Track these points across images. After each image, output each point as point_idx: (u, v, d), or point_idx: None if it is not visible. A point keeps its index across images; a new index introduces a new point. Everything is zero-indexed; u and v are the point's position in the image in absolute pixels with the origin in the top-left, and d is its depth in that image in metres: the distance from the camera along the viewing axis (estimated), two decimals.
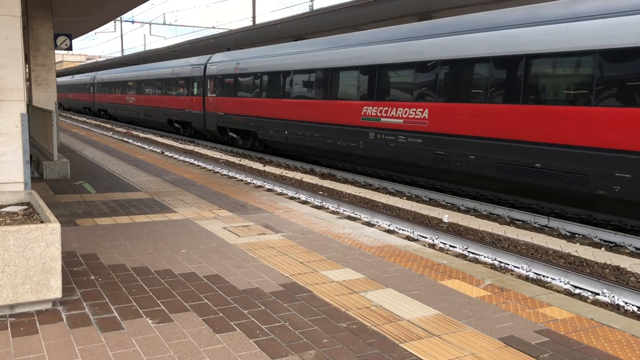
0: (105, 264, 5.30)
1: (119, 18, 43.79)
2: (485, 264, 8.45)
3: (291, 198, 13.08)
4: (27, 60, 15.71)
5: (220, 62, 23.17)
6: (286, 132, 18.26)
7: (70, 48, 14.94)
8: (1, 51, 6.11)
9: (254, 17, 32.68)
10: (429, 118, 12.85)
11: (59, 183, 9.84)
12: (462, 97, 12.09)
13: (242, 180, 15.42)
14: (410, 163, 13.63)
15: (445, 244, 9.44)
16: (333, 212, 11.66)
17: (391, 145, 14.03)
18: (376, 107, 14.37)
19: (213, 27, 37.44)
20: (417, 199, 13.19)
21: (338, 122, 15.84)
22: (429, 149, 12.91)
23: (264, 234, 6.64)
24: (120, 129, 33.89)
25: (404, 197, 13.36)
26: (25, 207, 4.95)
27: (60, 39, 14.78)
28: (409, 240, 8.84)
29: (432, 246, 9.39)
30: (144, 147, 23.23)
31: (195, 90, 25.23)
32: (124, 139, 26.86)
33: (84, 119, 44.69)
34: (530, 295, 4.77)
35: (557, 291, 7.34)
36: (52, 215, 4.29)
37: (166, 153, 21.43)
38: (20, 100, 6.27)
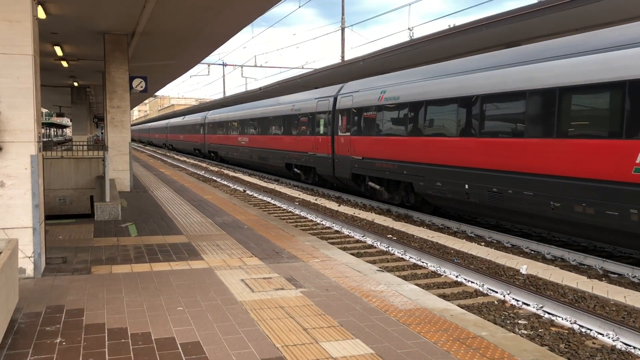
0: (85, 322, 4.74)
1: (219, 61, 45.57)
2: (562, 327, 7.06)
3: (357, 241, 12.19)
4: (103, 102, 16.25)
5: (357, 92, 18.13)
6: (466, 186, 12.71)
7: (145, 90, 15.26)
8: (12, 90, 5.90)
9: (342, 55, 32.56)
10: None
11: (107, 225, 9.67)
12: None
13: (312, 220, 14.74)
14: None
15: (517, 300, 8.10)
16: (397, 259, 10.63)
17: None
18: None
19: (302, 67, 37.84)
20: (497, 245, 11.79)
21: (577, 175, 9.97)
22: None
23: (283, 288, 5.83)
24: (213, 168, 34.65)
25: (482, 243, 12.00)
26: None
27: (135, 82, 15.13)
28: (449, 300, 7.73)
29: (503, 302, 8.10)
30: (228, 186, 23.38)
31: (321, 128, 20.77)
32: (213, 177, 27.29)
33: (184, 159, 46.39)
34: None
35: None
36: None
37: (247, 192, 21.33)
38: (30, 141, 6.01)
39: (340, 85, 20.42)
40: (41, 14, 11.91)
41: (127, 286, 5.85)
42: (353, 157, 18.10)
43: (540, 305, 7.71)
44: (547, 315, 7.44)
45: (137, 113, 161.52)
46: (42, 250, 6.19)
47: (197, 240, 8.36)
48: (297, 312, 5.09)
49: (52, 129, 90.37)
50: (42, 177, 6.42)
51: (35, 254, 6.06)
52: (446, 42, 18.31)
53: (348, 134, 18.47)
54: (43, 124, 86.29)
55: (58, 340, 4.33)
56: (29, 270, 6.06)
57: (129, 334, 4.49)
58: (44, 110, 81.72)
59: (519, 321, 7.28)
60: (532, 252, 11.06)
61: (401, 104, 15.40)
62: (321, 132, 20.82)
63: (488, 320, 7.29)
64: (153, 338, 4.40)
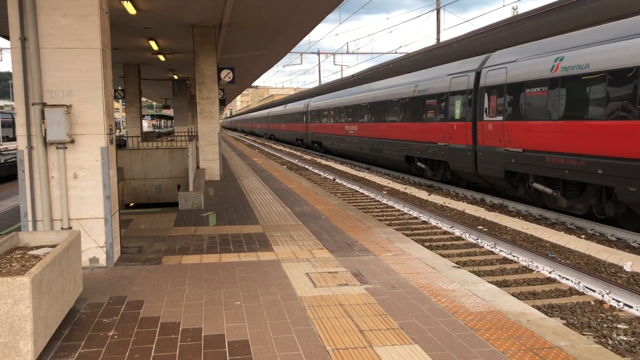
0: (142, 315, 4.72)
1: (311, 50, 45.63)
2: None
3: (444, 233, 11.62)
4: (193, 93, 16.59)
5: (513, 62, 14.15)
6: None
7: (233, 81, 15.45)
8: (82, 84, 6.02)
9: (438, 37, 31.44)
10: None
11: (189, 214, 9.83)
12: None
13: (399, 210, 14.30)
14: None
15: (618, 301, 7.27)
16: (486, 252, 9.99)
17: None
18: None
19: (395, 52, 36.99)
20: (600, 238, 10.76)
21: None
22: None
23: (347, 284, 5.54)
24: (306, 157, 34.83)
25: (583, 236, 11.01)
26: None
27: (223, 73, 15.35)
28: (540, 298, 7.01)
29: (600, 303, 7.32)
30: (319, 174, 23.37)
31: (456, 112, 16.84)
32: (305, 166, 27.44)
33: (280, 148, 47.13)
34: None
35: None
36: (40, 267, 3.79)
37: (337, 180, 21.21)
38: (100, 133, 6.11)
39: (483, 56, 16.48)
40: (131, 10, 12.33)
41: (192, 278, 5.82)
42: (508, 150, 14.19)
43: None
44: None
45: (239, 104, 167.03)
46: (114, 241, 6.32)
47: (272, 231, 8.26)
48: (357, 311, 4.78)
49: (162, 121, 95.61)
50: (115, 168, 6.55)
51: (107, 244, 6.19)
52: (549, 19, 17.02)
53: (500, 118, 14.51)
54: (153, 115, 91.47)
55: (111, 333, 4.33)
56: (102, 260, 6.21)
57: (180, 329, 4.40)
58: (154, 103, 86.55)
59: (618, 325, 6.51)
60: None
61: (594, 74, 11.24)
62: (457, 117, 16.85)
63: (582, 322, 6.60)
64: (203, 334, 4.29)
